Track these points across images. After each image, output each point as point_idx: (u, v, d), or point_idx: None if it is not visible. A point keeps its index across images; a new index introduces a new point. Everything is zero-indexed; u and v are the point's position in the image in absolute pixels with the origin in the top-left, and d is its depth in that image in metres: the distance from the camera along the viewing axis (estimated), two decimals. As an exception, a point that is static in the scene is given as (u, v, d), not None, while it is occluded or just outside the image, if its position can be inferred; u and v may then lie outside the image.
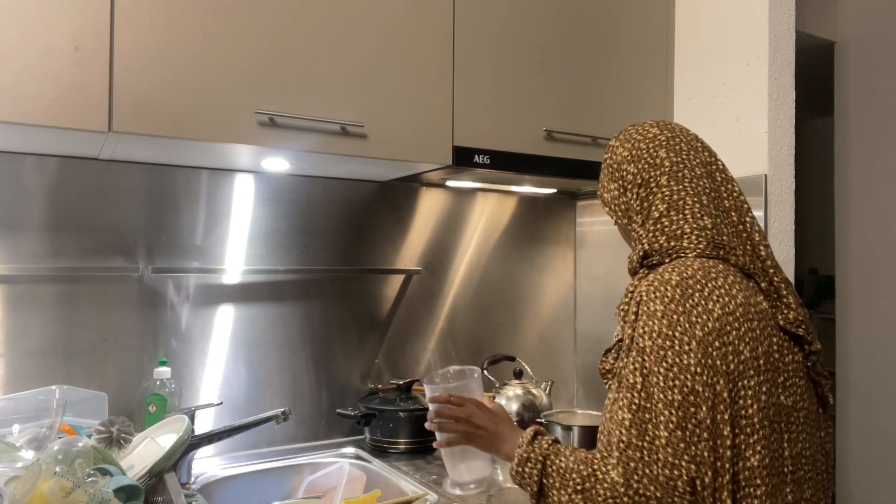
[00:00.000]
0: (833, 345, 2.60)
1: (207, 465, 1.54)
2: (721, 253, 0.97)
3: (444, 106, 1.55)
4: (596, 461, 0.92)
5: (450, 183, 1.92)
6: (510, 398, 1.77)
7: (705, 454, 0.85)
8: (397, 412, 1.68)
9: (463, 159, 1.56)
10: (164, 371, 1.51)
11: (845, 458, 2.49)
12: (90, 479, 0.96)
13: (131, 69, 1.22)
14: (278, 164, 1.59)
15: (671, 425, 0.86)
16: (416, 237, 1.92)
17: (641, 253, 1.02)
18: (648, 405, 0.88)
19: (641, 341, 0.91)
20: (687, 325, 0.88)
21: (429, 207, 1.94)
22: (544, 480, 0.96)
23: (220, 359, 1.64)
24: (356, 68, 1.44)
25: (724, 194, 1.03)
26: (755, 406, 0.89)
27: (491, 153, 1.60)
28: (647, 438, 0.86)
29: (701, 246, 0.97)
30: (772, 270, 1.00)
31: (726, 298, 0.91)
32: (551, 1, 1.71)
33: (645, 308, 0.92)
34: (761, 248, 1.01)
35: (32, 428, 1.15)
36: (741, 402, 0.88)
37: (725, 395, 0.87)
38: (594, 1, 1.79)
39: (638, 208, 1.03)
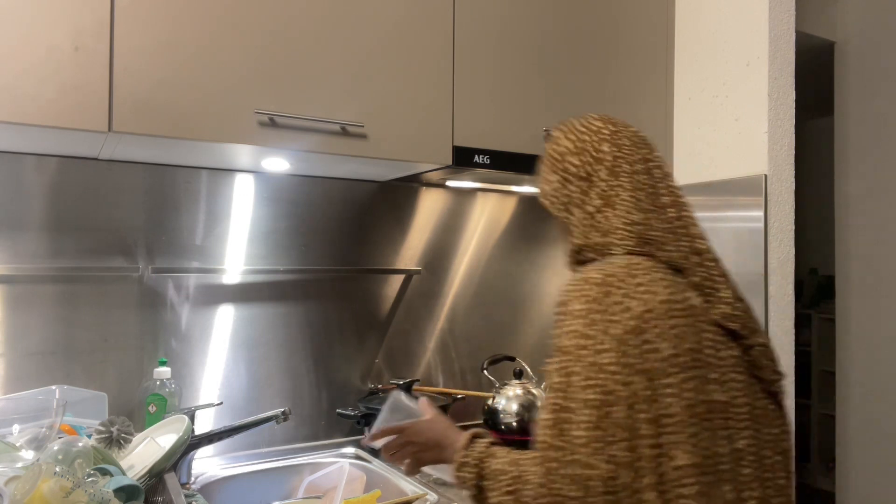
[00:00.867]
0: (833, 345, 2.60)
1: (207, 465, 1.54)
2: (649, 249, 0.96)
3: (444, 106, 1.55)
4: (523, 462, 0.93)
5: (450, 183, 1.92)
6: (510, 398, 1.77)
7: (623, 454, 0.85)
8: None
9: (463, 159, 1.56)
10: (164, 371, 1.51)
11: (845, 458, 2.49)
12: (90, 479, 0.96)
13: (131, 69, 1.22)
14: (278, 164, 1.59)
15: (589, 425, 0.86)
16: (416, 237, 1.92)
17: (574, 248, 1.03)
18: (568, 405, 0.88)
19: (562, 341, 0.91)
20: (605, 324, 0.88)
21: (429, 207, 1.94)
22: (482, 483, 0.96)
23: (220, 359, 1.65)
24: (356, 68, 1.44)
25: (663, 190, 1.02)
26: (680, 404, 0.87)
27: (491, 153, 1.60)
28: (566, 438, 0.87)
29: (629, 243, 0.97)
30: (710, 264, 0.98)
31: (647, 296, 0.90)
32: (551, 1, 1.71)
33: (567, 308, 0.93)
34: (698, 242, 1.00)
35: (32, 428, 1.15)
36: (663, 400, 0.87)
37: (647, 393, 0.86)
38: (594, 1, 1.79)
39: (578, 202, 1.03)
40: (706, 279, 0.97)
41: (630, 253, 0.97)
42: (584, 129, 1.06)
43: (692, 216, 1.02)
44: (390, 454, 1.12)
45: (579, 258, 1.03)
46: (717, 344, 0.94)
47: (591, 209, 1.01)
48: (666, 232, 0.98)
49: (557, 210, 1.07)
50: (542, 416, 0.91)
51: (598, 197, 1.01)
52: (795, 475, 1.73)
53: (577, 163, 1.04)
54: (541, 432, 0.90)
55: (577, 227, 1.02)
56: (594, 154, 1.03)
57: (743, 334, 0.97)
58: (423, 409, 1.13)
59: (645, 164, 1.03)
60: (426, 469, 1.54)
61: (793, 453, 1.06)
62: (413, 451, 1.10)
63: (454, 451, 1.03)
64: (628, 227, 0.98)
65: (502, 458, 0.96)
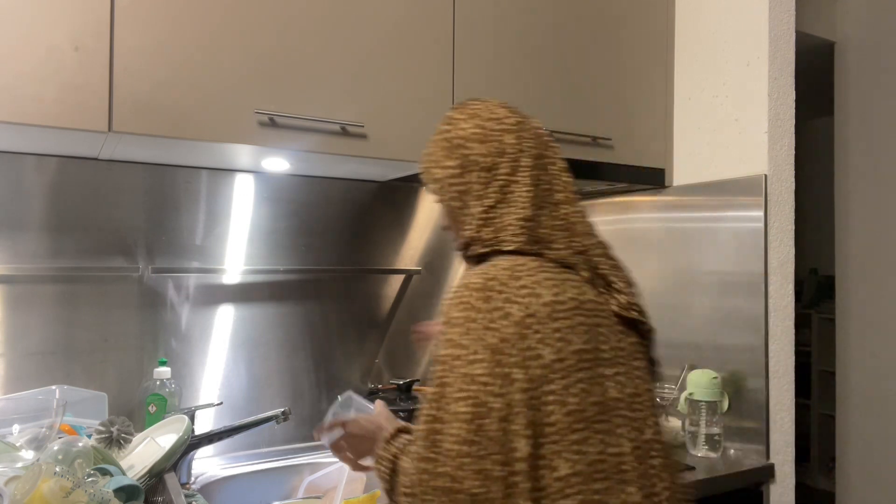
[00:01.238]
0: (833, 345, 2.60)
1: (207, 465, 1.54)
2: (538, 248, 0.93)
3: (444, 106, 1.55)
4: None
5: (450, 183, 1.91)
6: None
7: (495, 468, 0.81)
8: (397, 412, 1.68)
9: (463, 159, 1.56)
10: (164, 371, 1.51)
11: (845, 458, 2.49)
12: (90, 479, 0.96)
13: (131, 69, 1.22)
14: (278, 164, 1.59)
15: (458, 439, 0.82)
16: (416, 237, 1.92)
17: (464, 241, 0.98)
18: (441, 416, 0.85)
19: (439, 351, 0.88)
20: (482, 332, 0.85)
21: (429, 207, 1.94)
22: (394, 479, 0.94)
23: (220, 359, 1.65)
24: (356, 68, 1.44)
25: (558, 187, 0.98)
26: (563, 411, 0.84)
27: (491, 153, 1.60)
28: (436, 451, 0.84)
29: (519, 240, 0.93)
30: (597, 260, 0.96)
31: (529, 299, 0.87)
32: (551, 1, 1.71)
33: (446, 316, 0.89)
34: (588, 238, 0.97)
35: (32, 428, 1.15)
36: (545, 408, 0.84)
37: (527, 403, 0.83)
38: (594, 1, 1.79)
39: (477, 194, 0.97)
40: (599, 273, 0.95)
41: (518, 252, 0.93)
42: (489, 117, 1.00)
43: (583, 211, 0.99)
44: (333, 446, 1.10)
45: (468, 252, 0.98)
46: (618, 334, 0.93)
47: (488, 202, 0.96)
48: (556, 229, 0.95)
49: (450, 198, 1.00)
50: (418, 425, 0.88)
51: (497, 191, 0.96)
52: (795, 475, 1.73)
53: (483, 152, 0.98)
54: (416, 442, 0.88)
55: (471, 220, 0.97)
56: (499, 145, 0.98)
57: (642, 320, 0.96)
58: (375, 407, 1.11)
59: (543, 160, 0.99)
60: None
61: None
62: (352, 444, 1.08)
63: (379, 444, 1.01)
64: (520, 224, 0.93)
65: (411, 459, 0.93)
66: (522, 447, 0.82)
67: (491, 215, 0.95)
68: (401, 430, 0.99)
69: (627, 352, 0.93)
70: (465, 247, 0.99)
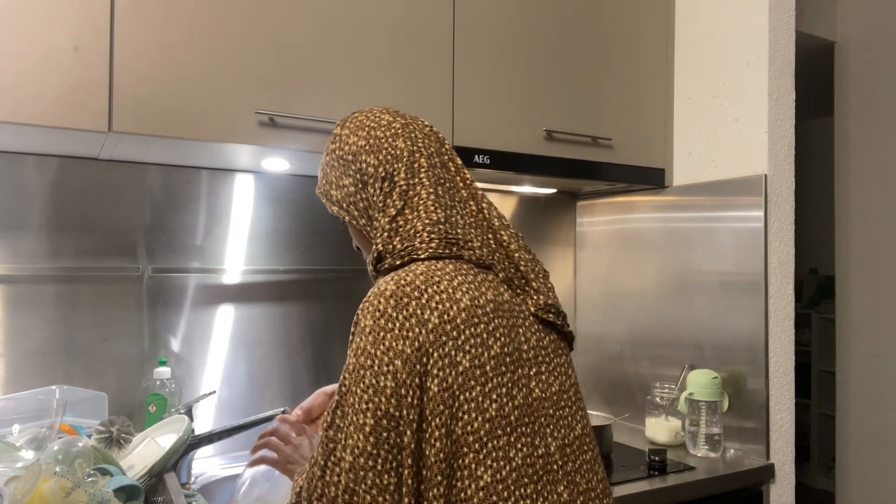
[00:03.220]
0: (833, 345, 2.60)
1: (207, 465, 1.54)
2: (454, 250, 0.89)
3: (443, 106, 1.55)
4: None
5: (450, 183, 1.91)
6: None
7: (398, 481, 0.78)
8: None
9: (463, 159, 1.56)
10: (164, 371, 1.51)
11: (845, 458, 2.49)
12: (90, 479, 0.96)
13: (131, 69, 1.22)
14: (278, 164, 1.59)
15: (356, 451, 0.78)
16: (416, 237, 1.92)
17: (375, 255, 0.93)
18: (340, 425, 0.81)
19: (349, 359, 0.84)
20: (392, 343, 0.80)
21: (429, 207, 1.93)
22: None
23: (220, 359, 1.65)
24: (356, 68, 1.44)
25: (461, 184, 0.96)
26: (483, 417, 0.81)
27: (491, 153, 1.60)
28: (332, 459, 0.80)
29: (433, 245, 0.89)
30: (516, 255, 0.94)
31: (447, 304, 0.83)
32: (551, 1, 1.71)
33: (358, 325, 0.85)
34: (502, 233, 0.95)
35: (32, 428, 1.15)
36: (465, 417, 0.81)
37: (435, 415, 0.80)
38: (594, 1, 1.79)
39: (381, 205, 0.93)
40: (516, 272, 0.93)
41: (434, 257, 0.89)
42: (374, 125, 0.97)
43: (490, 206, 0.97)
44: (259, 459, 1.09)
45: (380, 266, 0.93)
46: (537, 333, 0.91)
47: (392, 212, 0.91)
48: (469, 227, 0.92)
49: (354, 217, 0.97)
50: (319, 432, 0.86)
51: (398, 198, 0.92)
52: (795, 475, 1.73)
53: (374, 162, 0.94)
54: (316, 448, 0.85)
55: (379, 233, 0.92)
56: (392, 152, 0.94)
57: (558, 323, 0.94)
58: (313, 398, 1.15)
59: (440, 158, 0.96)
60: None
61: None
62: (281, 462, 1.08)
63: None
64: (431, 228, 0.90)
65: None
66: (435, 459, 0.79)
67: (398, 223, 0.91)
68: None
69: (549, 349, 0.91)
70: (377, 261, 0.93)
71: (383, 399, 0.79)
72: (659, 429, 1.77)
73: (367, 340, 0.82)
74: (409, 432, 0.79)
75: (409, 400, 0.79)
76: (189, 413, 1.41)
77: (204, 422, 1.59)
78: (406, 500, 0.78)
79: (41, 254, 1.46)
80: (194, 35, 1.28)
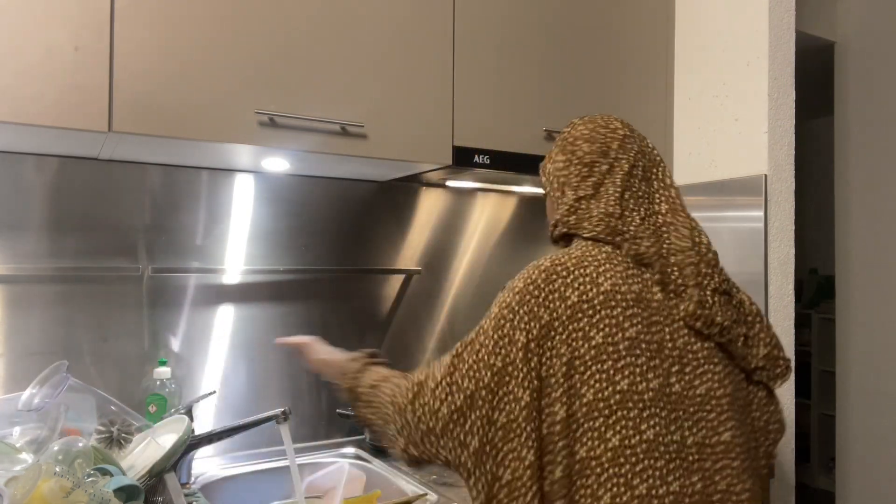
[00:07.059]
0: (833, 345, 2.60)
1: (207, 465, 1.54)
2: (616, 239, 0.99)
3: (444, 106, 1.55)
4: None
5: (450, 183, 1.92)
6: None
7: (507, 421, 0.88)
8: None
9: (463, 159, 1.56)
10: (164, 371, 1.51)
11: (845, 458, 2.49)
12: (90, 479, 0.96)
13: (131, 69, 1.22)
14: (278, 164, 1.59)
15: (481, 384, 0.90)
16: (416, 237, 1.92)
17: (553, 222, 1.08)
18: (467, 358, 0.93)
19: (492, 309, 0.96)
20: (534, 308, 0.92)
21: (429, 207, 1.94)
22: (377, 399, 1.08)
23: (220, 359, 1.64)
24: (356, 68, 1.44)
25: (658, 199, 1.04)
26: (612, 388, 0.89)
27: (491, 153, 1.60)
28: (450, 380, 0.93)
29: (598, 229, 1.00)
30: (681, 262, 0.98)
31: (588, 286, 0.93)
32: (551, 1, 1.71)
33: (510, 284, 0.97)
34: (679, 242, 0.99)
35: (33, 429, 1.15)
36: (597, 385, 0.89)
37: (558, 387, 0.89)
38: (594, 1, 1.79)
39: (574, 185, 1.06)
40: (675, 277, 0.97)
41: (595, 239, 1.00)
42: (602, 124, 1.10)
43: (692, 226, 1.02)
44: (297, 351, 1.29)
45: (554, 232, 1.08)
46: (685, 337, 0.95)
47: (581, 194, 1.04)
48: (645, 230, 1.00)
49: (553, 188, 1.10)
50: (444, 358, 0.97)
51: (591, 187, 1.04)
52: (795, 475, 1.73)
53: (586, 149, 1.07)
54: (437, 367, 0.97)
55: (563, 206, 1.06)
56: (603, 147, 1.06)
57: (708, 333, 0.96)
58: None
59: (645, 173, 1.06)
60: (426, 469, 1.54)
61: (780, 437, 1.06)
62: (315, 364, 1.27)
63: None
64: (602, 216, 1.00)
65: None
66: (559, 412, 0.88)
67: (580, 206, 1.03)
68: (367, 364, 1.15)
69: (700, 355, 0.95)
70: (553, 227, 1.08)
71: (514, 350, 0.90)
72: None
73: (514, 299, 0.94)
74: (523, 384, 0.89)
75: (532, 364, 0.90)
76: (189, 413, 1.41)
77: (204, 422, 1.59)
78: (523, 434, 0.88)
79: (41, 254, 1.46)
80: (194, 35, 1.28)
